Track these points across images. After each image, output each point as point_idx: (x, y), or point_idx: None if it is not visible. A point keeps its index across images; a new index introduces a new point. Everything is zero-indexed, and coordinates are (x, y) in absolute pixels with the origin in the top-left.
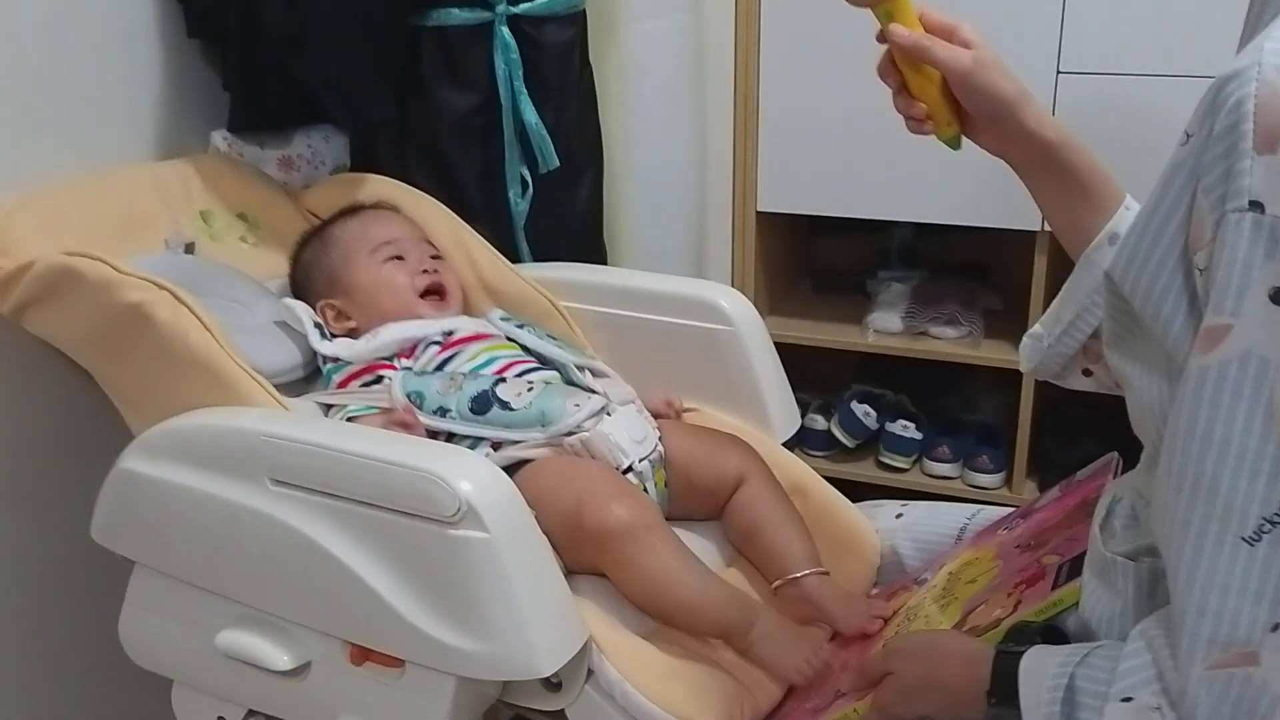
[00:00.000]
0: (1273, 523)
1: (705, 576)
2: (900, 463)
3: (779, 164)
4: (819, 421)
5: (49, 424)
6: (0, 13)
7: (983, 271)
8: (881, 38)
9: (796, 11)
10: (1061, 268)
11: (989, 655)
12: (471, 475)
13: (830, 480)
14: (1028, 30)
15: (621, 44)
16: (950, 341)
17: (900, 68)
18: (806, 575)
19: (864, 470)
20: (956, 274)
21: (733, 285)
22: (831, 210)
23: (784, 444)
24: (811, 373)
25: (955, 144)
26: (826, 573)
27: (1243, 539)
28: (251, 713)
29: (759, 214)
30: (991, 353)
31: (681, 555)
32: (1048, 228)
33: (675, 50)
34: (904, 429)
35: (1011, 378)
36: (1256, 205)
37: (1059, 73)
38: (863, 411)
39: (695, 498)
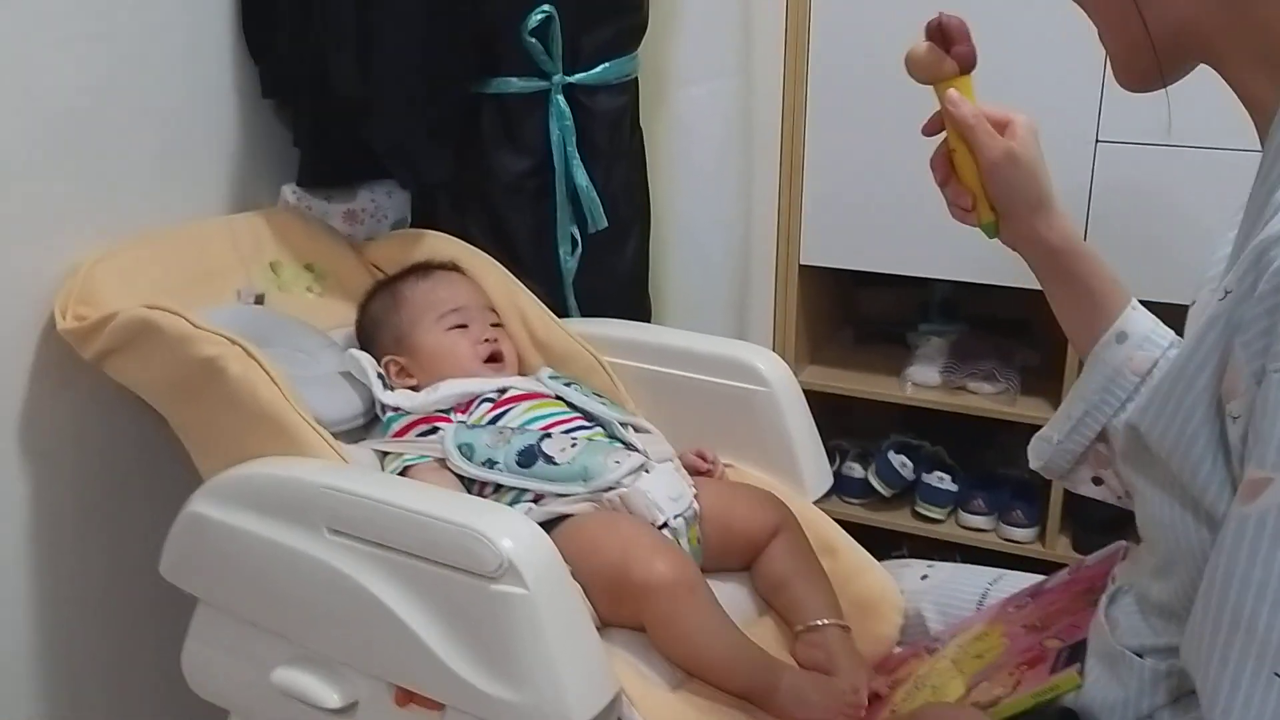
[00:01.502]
0: None
1: (738, 639)
2: (936, 514)
3: (822, 220)
4: (856, 470)
5: (127, 461)
6: (86, 74)
7: (1022, 328)
8: (929, 130)
9: (843, 75)
10: None
11: None
12: (513, 533)
13: (866, 528)
14: (1068, 99)
15: (672, 108)
16: (987, 397)
17: (952, 145)
18: (829, 625)
19: (899, 520)
20: (996, 329)
21: (774, 335)
22: (872, 266)
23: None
24: (851, 420)
25: (991, 231)
26: (848, 628)
27: (1276, 674)
28: None
29: (801, 267)
30: (1028, 409)
31: (717, 616)
32: None
33: (724, 113)
34: (940, 480)
35: None
36: None
37: (1098, 141)
38: (899, 462)
39: (732, 548)
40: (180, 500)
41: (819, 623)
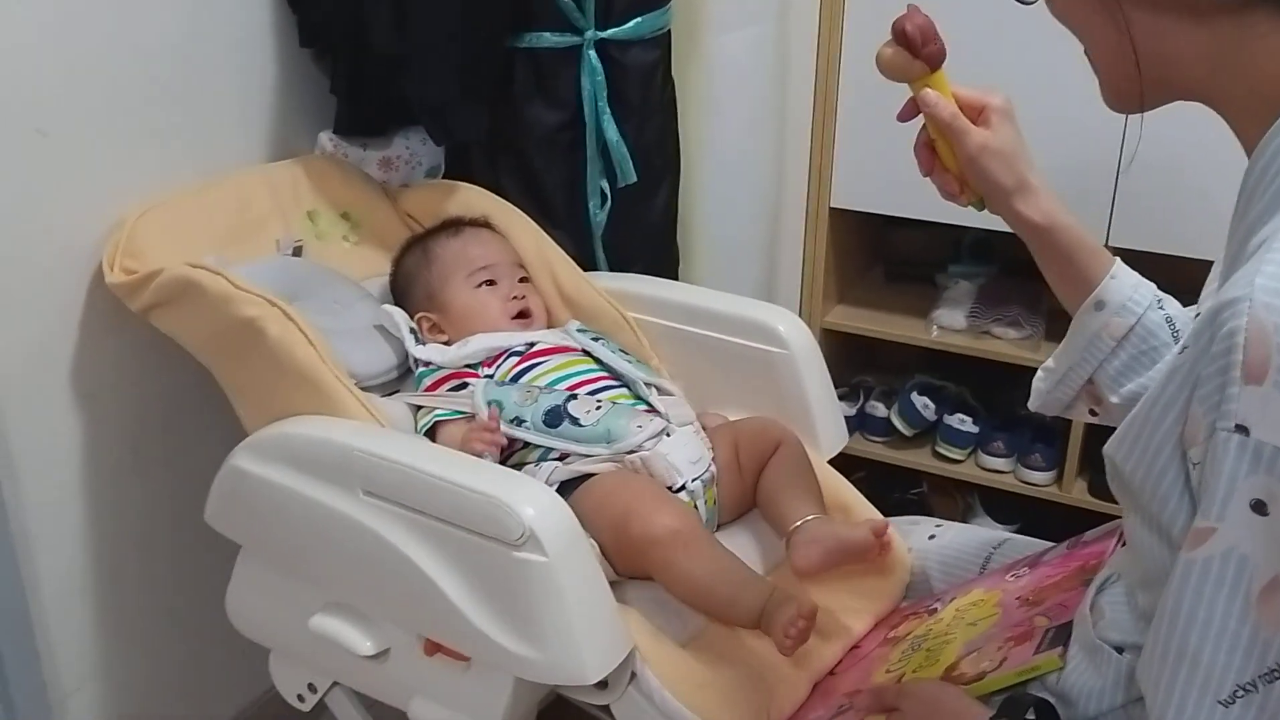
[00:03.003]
0: (1245, 689)
1: (744, 575)
2: (956, 454)
3: (854, 164)
4: (879, 409)
5: (178, 403)
6: (127, 27)
7: None
8: (904, 116)
9: (879, 19)
10: None
11: None
12: (535, 503)
13: (886, 466)
14: None
15: (706, 54)
16: (1011, 343)
17: (932, 134)
18: (807, 521)
19: (920, 459)
20: (1025, 272)
21: (803, 276)
22: (902, 211)
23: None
24: (877, 358)
25: (980, 207)
26: (825, 515)
27: (1219, 702)
28: (337, 684)
29: (832, 209)
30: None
31: (720, 556)
32: (1113, 239)
33: (759, 59)
34: (961, 422)
35: None
36: (1242, 429)
37: None
38: (922, 404)
39: (745, 471)
40: (230, 441)
41: (798, 523)
